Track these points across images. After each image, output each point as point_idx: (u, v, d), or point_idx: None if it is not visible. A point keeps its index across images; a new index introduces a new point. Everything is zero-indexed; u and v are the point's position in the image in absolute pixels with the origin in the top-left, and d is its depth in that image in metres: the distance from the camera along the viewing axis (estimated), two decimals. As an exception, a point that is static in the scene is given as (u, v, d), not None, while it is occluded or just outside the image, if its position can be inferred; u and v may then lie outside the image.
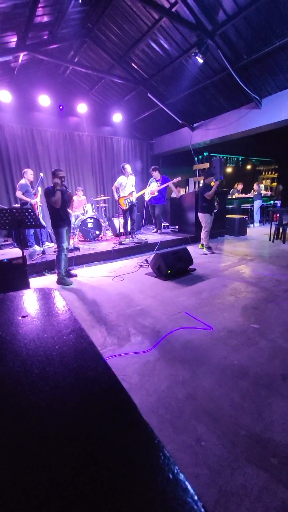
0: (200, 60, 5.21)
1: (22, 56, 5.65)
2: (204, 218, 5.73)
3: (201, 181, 6.11)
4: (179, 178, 6.81)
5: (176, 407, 1.71)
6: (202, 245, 5.97)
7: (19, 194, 5.56)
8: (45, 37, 5.73)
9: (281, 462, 1.34)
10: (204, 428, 1.54)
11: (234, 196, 9.70)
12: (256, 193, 9.45)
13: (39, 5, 4.46)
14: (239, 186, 10.04)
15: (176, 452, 1.41)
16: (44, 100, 6.45)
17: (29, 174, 5.69)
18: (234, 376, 1.97)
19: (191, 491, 0.35)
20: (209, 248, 5.87)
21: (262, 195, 9.70)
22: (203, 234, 5.87)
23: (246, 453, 1.39)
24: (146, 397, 1.79)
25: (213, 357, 2.20)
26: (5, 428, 0.49)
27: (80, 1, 4.04)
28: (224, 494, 1.21)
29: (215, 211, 5.82)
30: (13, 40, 5.28)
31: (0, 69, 6.05)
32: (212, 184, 5.56)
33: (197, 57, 5.15)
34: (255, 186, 9.49)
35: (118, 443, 0.44)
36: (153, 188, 6.96)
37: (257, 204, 9.51)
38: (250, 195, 9.76)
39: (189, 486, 0.36)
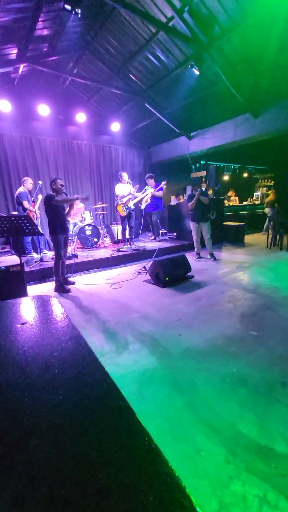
0: (196, 72, 5.35)
1: (22, 67, 5.76)
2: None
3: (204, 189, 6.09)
4: (165, 181, 6.84)
5: (175, 416, 1.69)
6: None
7: (26, 203, 5.54)
8: (45, 49, 5.87)
9: (282, 473, 1.32)
10: (203, 438, 1.52)
11: (228, 203, 9.81)
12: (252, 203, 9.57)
13: (40, 19, 4.59)
14: (229, 193, 10.20)
15: (175, 463, 1.38)
16: (44, 109, 6.56)
17: (28, 183, 5.73)
18: (233, 384, 1.95)
19: (190, 496, 0.35)
20: (198, 253, 5.98)
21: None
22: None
23: (246, 463, 1.37)
24: (144, 406, 1.77)
25: (211, 365, 2.18)
26: (4, 435, 0.49)
27: (79, 15, 4.16)
28: (224, 505, 1.18)
29: (212, 218, 5.88)
30: (13, 52, 5.40)
31: (1, 80, 6.17)
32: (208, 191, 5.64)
33: (193, 69, 5.29)
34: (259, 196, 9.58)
35: (116, 449, 0.44)
36: (147, 195, 6.99)
37: None
38: (247, 202, 9.87)
39: (187, 492, 0.36)
